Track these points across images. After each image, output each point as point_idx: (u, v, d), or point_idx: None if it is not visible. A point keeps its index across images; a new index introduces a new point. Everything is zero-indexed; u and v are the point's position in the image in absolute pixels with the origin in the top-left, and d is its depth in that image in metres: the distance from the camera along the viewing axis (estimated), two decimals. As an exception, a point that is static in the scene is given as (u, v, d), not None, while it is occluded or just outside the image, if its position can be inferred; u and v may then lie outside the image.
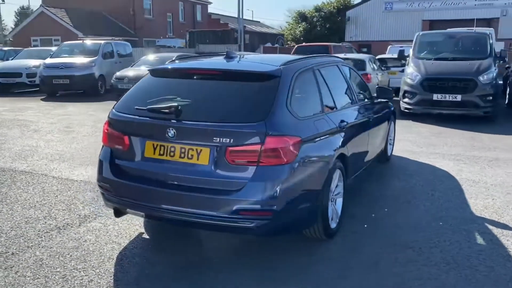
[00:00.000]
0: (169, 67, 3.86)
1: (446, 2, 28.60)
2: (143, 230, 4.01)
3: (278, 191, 3.08)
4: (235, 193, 3.07)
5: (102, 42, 16.36)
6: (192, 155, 3.21)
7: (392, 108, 6.33)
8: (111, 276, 3.20)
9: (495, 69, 10.00)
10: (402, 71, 13.32)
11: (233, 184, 3.10)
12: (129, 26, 32.03)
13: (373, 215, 4.38)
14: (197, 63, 4.16)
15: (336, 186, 3.85)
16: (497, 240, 3.82)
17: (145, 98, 3.57)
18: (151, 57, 16.20)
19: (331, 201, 3.75)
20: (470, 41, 11.08)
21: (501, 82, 11.89)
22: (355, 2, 33.31)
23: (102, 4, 30.87)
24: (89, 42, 17.08)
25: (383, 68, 14.18)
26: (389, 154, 6.38)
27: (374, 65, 12.85)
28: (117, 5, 31.24)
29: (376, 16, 30.45)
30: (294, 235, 3.76)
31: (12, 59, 17.40)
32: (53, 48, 17.83)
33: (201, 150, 3.18)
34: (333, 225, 3.78)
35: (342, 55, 11.59)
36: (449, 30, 13.98)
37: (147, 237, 3.91)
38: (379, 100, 5.66)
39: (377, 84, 11.26)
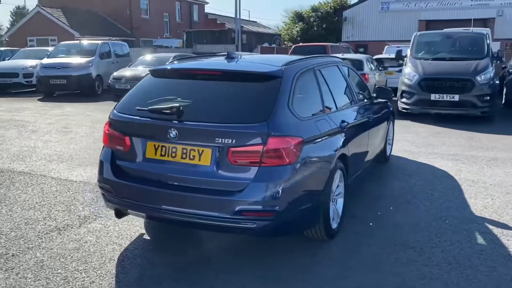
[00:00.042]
0: (170, 67, 3.85)
1: (443, 2, 28.67)
2: (143, 231, 4.00)
3: (280, 191, 3.08)
4: (237, 193, 3.07)
5: (99, 42, 16.34)
6: (194, 156, 3.20)
7: (391, 108, 6.35)
8: (112, 278, 3.19)
9: (493, 69, 10.04)
10: (399, 71, 13.37)
11: (235, 185, 3.09)
12: (125, 26, 31.96)
13: (379, 213, 4.39)
14: (198, 64, 4.16)
15: (337, 187, 3.86)
16: (497, 240, 3.83)
17: (146, 98, 3.56)
18: (149, 57, 16.20)
19: (332, 201, 3.75)
20: (467, 41, 11.13)
21: (497, 82, 11.94)
22: (352, 2, 33.35)
23: (98, 4, 30.77)
24: (86, 42, 17.05)
25: (380, 68, 14.22)
26: (388, 154, 6.39)
27: (372, 65, 12.88)
28: (113, 5, 31.16)
29: (372, 16, 30.50)
30: (294, 235, 3.76)
31: (8, 59, 17.34)
32: (50, 48, 17.80)
33: (203, 150, 3.18)
34: (334, 225, 3.79)
35: (339, 55, 11.59)
36: (446, 30, 14.03)
37: (148, 238, 3.91)
38: (378, 100, 5.67)
39: (375, 84, 11.30)
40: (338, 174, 3.80)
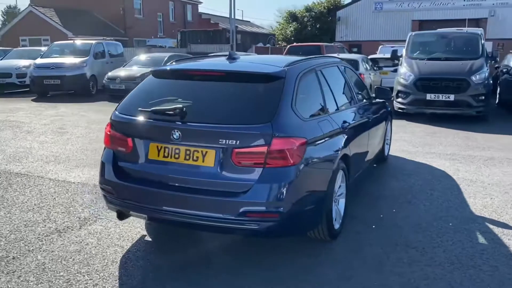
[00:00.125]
0: (172, 68, 3.83)
1: (435, 2, 28.84)
2: (145, 232, 3.98)
3: (284, 192, 3.07)
4: (242, 195, 3.06)
5: (93, 42, 16.23)
6: (197, 157, 3.19)
7: (389, 108, 6.37)
8: (116, 280, 3.17)
9: (487, 69, 10.11)
10: (394, 71, 13.43)
11: (240, 186, 3.08)
12: (119, 25, 31.79)
13: (381, 215, 4.37)
14: (200, 64, 4.14)
15: (339, 187, 3.86)
16: (498, 239, 3.86)
17: (148, 99, 3.54)
18: (143, 57, 16.13)
19: (334, 201, 3.75)
20: (462, 41, 11.20)
21: (491, 81, 12.02)
22: (345, 2, 33.44)
23: (91, 4, 30.60)
24: (80, 42, 16.94)
25: (375, 68, 14.27)
26: (386, 154, 6.41)
27: (367, 65, 12.93)
28: (107, 4, 30.98)
29: (366, 16, 30.61)
30: (297, 236, 3.75)
31: (1, 59, 17.16)
32: (43, 48, 17.65)
33: (206, 152, 3.16)
34: (336, 225, 3.79)
35: (335, 55, 11.61)
36: (441, 30, 14.10)
37: (150, 239, 3.88)
38: (376, 100, 5.68)
39: (370, 84, 11.34)
40: (340, 175, 3.80)
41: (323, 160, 3.51)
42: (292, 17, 34.71)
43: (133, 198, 3.43)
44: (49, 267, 3.33)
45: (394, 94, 10.54)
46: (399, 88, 10.31)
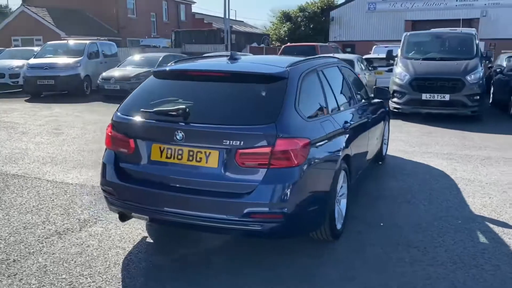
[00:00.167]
0: (174, 68, 3.81)
1: (428, 2, 29.04)
2: (146, 234, 3.95)
3: (289, 193, 3.07)
4: (246, 196, 3.05)
5: (87, 42, 16.14)
6: (200, 158, 3.17)
7: (387, 108, 6.39)
8: (119, 282, 3.14)
9: (482, 69, 10.19)
10: (388, 71, 13.49)
11: (244, 187, 3.07)
12: (112, 25, 31.61)
13: (382, 215, 4.36)
14: (202, 65, 4.12)
15: (341, 187, 3.86)
16: (499, 238, 3.88)
17: (149, 100, 3.52)
18: (137, 57, 16.08)
19: (336, 202, 3.75)
20: (457, 41, 11.27)
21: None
22: (339, 2, 33.56)
23: (84, 3, 30.40)
24: (73, 42, 16.82)
25: (370, 68, 14.32)
26: (384, 154, 6.43)
27: (362, 65, 12.97)
28: (100, 4, 30.81)
29: (359, 16, 30.74)
30: (300, 237, 3.75)
31: (-6, 59, 17.02)
32: (36, 48, 17.50)
33: (210, 152, 3.15)
34: (338, 226, 3.79)
35: (330, 56, 11.64)
36: (436, 30, 14.17)
37: (151, 241, 3.86)
38: (375, 100, 5.70)
39: (366, 84, 11.36)
40: (342, 175, 3.81)
41: (326, 161, 3.51)
42: (286, 17, 34.78)
43: (135, 200, 3.41)
44: (51, 269, 3.30)
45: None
46: (395, 88, 10.35)
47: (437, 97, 9.81)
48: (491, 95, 12.75)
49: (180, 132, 3.16)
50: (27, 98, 14.24)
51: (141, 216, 3.51)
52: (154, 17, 36.24)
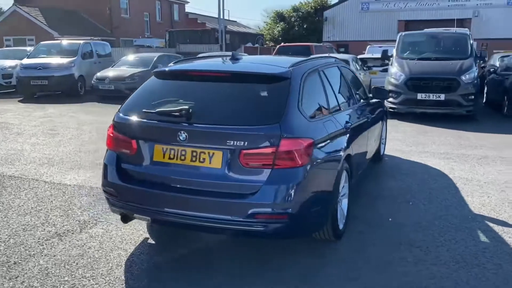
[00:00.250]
0: (175, 69, 3.79)
1: (421, 2, 29.21)
2: (147, 235, 3.93)
3: (293, 194, 3.06)
4: (250, 196, 3.04)
5: (81, 42, 16.03)
6: (204, 159, 3.16)
7: (385, 108, 6.41)
8: (122, 284, 3.12)
9: (476, 69, 10.26)
10: (383, 71, 13.54)
11: (248, 188, 3.06)
12: (105, 25, 31.42)
13: (390, 219, 4.34)
14: (203, 65, 4.10)
15: (343, 187, 3.86)
16: (499, 237, 3.90)
17: (151, 101, 3.50)
18: (131, 57, 16.01)
19: (339, 202, 3.76)
20: (451, 41, 11.33)
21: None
22: (332, 3, 33.65)
23: (77, 3, 30.18)
24: (67, 42, 16.71)
25: (364, 68, 14.37)
26: (382, 153, 6.45)
27: (357, 65, 13.01)
28: (93, 4, 30.61)
29: (353, 16, 30.86)
30: (302, 237, 3.75)
31: (-14, 60, 16.83)
32: (29, 48, 17.36)
33: (213, 153, 3.13)
34: (340, 226, 3.79)
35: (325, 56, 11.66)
36: (430, 30, 14.25)
37: (153, 242, 3.84)
38: (373, 100, 5.71)
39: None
40: (344, 175, 3.81)
41: (329, 161, 3.51)
42: (280, 17, 34.83)
43: (137, 201, 3.39)
44: (53, 272, 3.26)
45: (385, 94, 10.62)
46: (390, 87, 10.38)
47: (432, 96, 9.86)
48: (485, 95, 12.84)
49: (184, 133, 3.14)
50: (21, 98, 14.12)
51: (143, 217, 3.48)
52: (148, 17, 36.09)
